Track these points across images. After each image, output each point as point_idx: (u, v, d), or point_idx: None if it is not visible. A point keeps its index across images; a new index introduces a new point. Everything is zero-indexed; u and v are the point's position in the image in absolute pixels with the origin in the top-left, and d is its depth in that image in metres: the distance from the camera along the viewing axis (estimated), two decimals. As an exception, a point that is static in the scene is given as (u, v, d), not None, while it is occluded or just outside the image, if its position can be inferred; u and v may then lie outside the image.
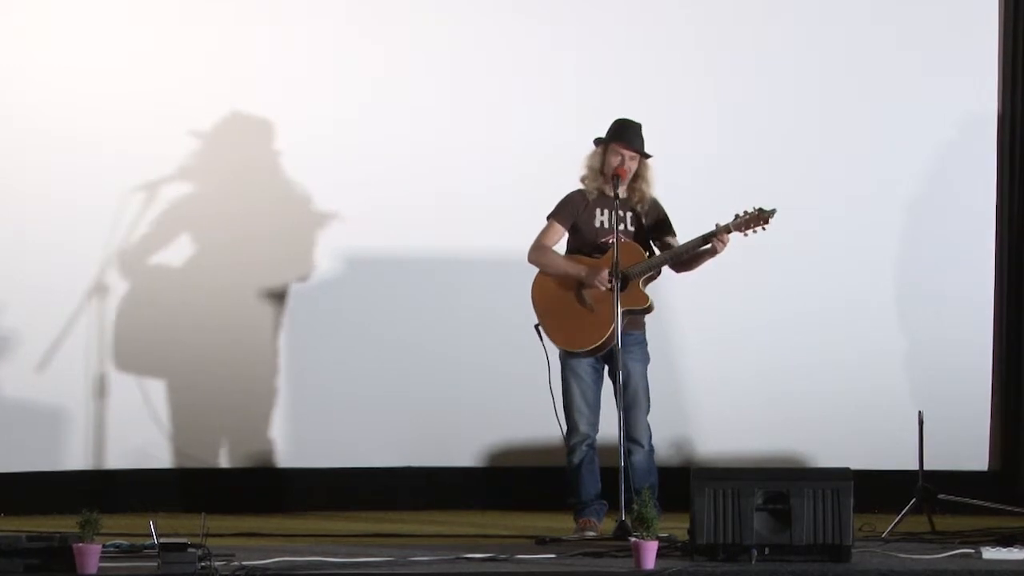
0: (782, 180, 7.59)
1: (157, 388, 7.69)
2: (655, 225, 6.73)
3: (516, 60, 7.76)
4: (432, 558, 5.78)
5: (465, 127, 7.74)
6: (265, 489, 7.71)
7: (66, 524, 5.83)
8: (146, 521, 5.84)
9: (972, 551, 5.89)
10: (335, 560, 5.67)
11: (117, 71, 7.60)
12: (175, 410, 7.70)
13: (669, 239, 6.71)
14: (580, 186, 6.77)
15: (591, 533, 6.55)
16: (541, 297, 6.72)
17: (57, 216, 7.53)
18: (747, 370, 7.75)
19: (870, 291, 7.79)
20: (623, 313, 6.53)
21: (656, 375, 6.78)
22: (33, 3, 7.56)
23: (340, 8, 7.76)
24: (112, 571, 5.49)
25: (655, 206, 6.75)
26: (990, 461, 7.80)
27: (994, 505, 7.07)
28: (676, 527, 6.10)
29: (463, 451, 7.78)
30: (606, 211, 6.66)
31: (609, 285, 6.53)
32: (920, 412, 6.85)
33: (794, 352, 7.74)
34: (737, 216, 6.52)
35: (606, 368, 6.68)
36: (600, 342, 6.58)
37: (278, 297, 7.76)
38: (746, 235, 6.53)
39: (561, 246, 6.80)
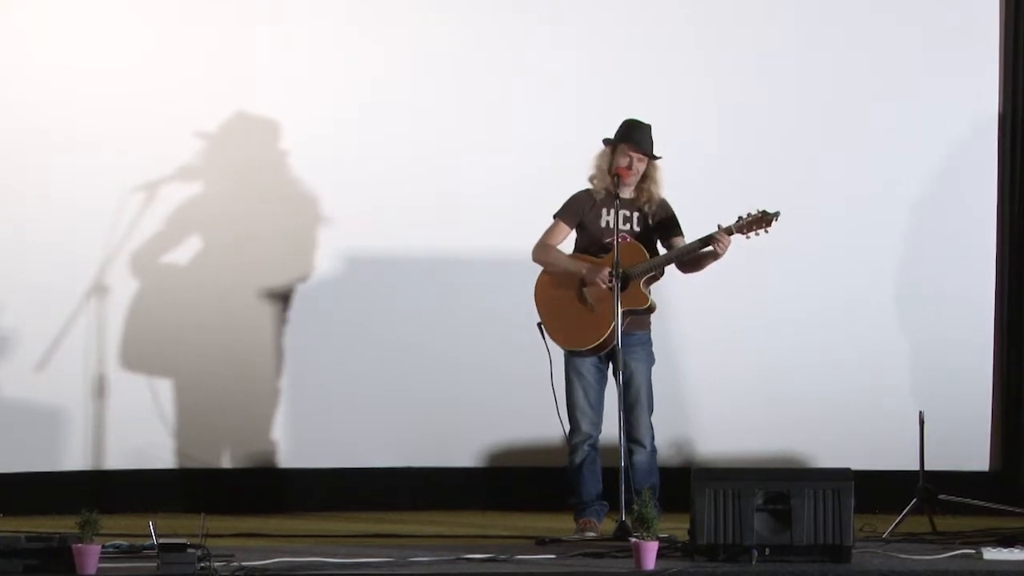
0: (782, 180, 7.59)
1: (157, 388, 7.68)
2: (662, 225, 6.71)
3: (516, 60, 7.76)
4: (432, 559, 5.78)
5: (465, 127, 7.74)
6: (265, 489, 7.70)
7: (65, 524, 5.83)
8: (145, 522, 5.83)
9: (973, 551, 5.88)
10: (335, 560, 5.67)
11: (117, 71, 7.59)
12: (175, 410, 7.70)
13: (676, 240, 6.69)
14: (587, 185, 6.76)
15: (591, 534, 6.54)
16: (543, 296, 6.72)
17: (57, 216, 7.53)
18: (748, 370, 7.75)
19: (871, 291, 7.78)
20: (624, 313, 6.53)
21: (657, 375, 6.77)
22: (33, 3, 7.55)
23: (340, 8, 7.76)
24: (111, 572, 5.49)
25: (663, 206, 6.73)
26: (991, 461, 7.80)
27: (995, 505, 7.07)
28: (676, 527, 6.10)
29: (463, 451, 7.78)
30: (612, 211, 6.65)
31: (609, 283, 6.52)
32: (921, 412, 6.85)
33: (795, 352, 7.74)
34: (740, 218, 6.51)
35: (610, 368, 6.67)
36: (599, 341, 6.57)
37: (278, 297, 7.76)
38: (748, 238, 6.52)
39: (569, 245, 6.78)
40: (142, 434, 7.63)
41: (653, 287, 6.67)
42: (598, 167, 6.72)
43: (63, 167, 7.52)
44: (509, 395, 7.66)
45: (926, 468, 6.78)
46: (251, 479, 7.70)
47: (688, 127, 7.62)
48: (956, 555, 5.85)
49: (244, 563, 5.54)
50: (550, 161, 7.52)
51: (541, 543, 6.19)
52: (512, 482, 7.75)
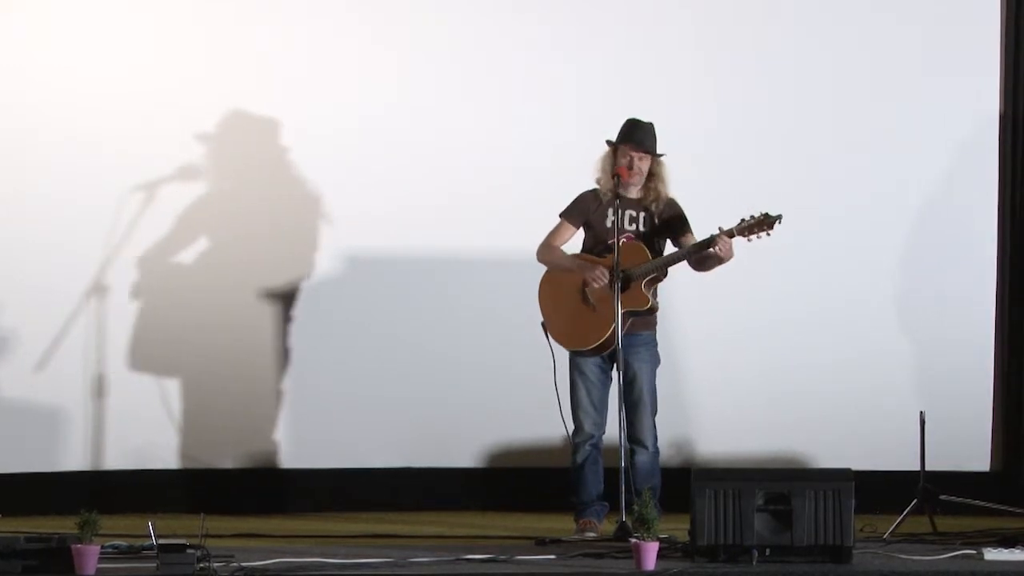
0: (782, 180, 7.59)
1: (157, 388, 7.67)
2: (670, 224, 6.69)
3: (516, 60, 7.75)
4: (432, 559, 5.78)
5: (465, 127, 7.74)
6: (265, 490, 7.70)
7: (65, 525, 5.82)
8: (145, 522, 5.82)
9: (974, 552, 5.88)
10: (335, 561, 5.66)
11: (117, 71, 7.59)
12: (176, 410, 7.69)
13: (685, 239, 6.67)
14: (590, 185, 6.75)
15: (591, 534, 6.54)
16: (546, 296, 6.72)
17: (57, 216, 7.53)
18: (748, 370, 7.74)
19: (871, 291, 7.78)
20: (626, 314, 6.52)
21: (658, 375, 6.76)
22: (33, 3, 7.55)
23: (340, 8, 7.76)
24: (111, 572, 5.49)
25: (671, 205, 6.72)
26: (992, 462, 7.79)
27: (996, 506, 7.06)
28: (677, 528, 6.09)
29: (463, 452, 7.78)
30: (619, 211, 6.64)
31: (604, 281, 6.51)
32: (922, 412, 6.84)
33: (795, 352, 7.73)
34: (742, 220, 6.50)
35: (614, 368, 6.66)
36: (600, 341, 6.56)
37: (278, 297, 7.76)
38: (749, 240, 6.50)
39: (576, 246, 6.77)
40: (142, 434, 7.62)
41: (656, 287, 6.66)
42: (602, 169, 6.71)
43: (63, 167, 7.52)
44: (509, 395, 7.66)
45: (927, 468, 6.78)
46: (251, 479, 7.70)
47: (688, 127, 7.59)
48: (957, 555, 5.84)
49: (244, 563, 5.54)
50: (550, 161, 7.51)
51: (541, 543, 6.18)
52: (512, 483, 7.74)
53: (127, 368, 7.66)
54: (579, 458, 6.68)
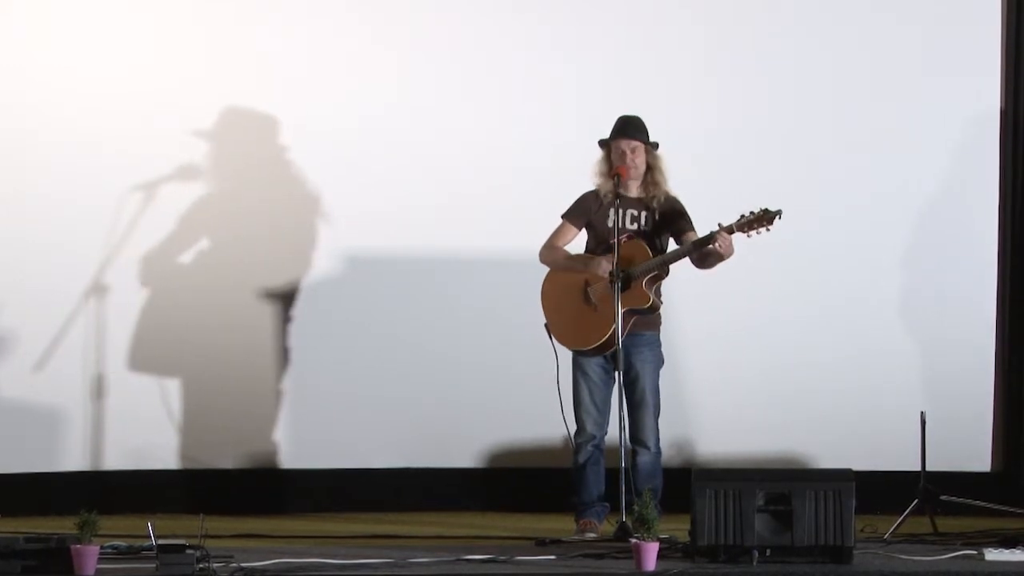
0: (783, 180, 7.58)
1: (157, 389, 7.67)
2: (670, 221, 6.69)
3: (516, 60, 7.75)
4: (432, 559, 5.77)
5: (465, 127, 7.73)
6: (265, 490, 7.69)
7: (64, 525, 5.82)
8: (144, 522, 5.82)
9: (975, 552, 5.87)
10: (334, 562, 5.65)
11: (117, 71, 7.59)
12: (175, 411, 7.69)
13: (687, 235, 6.66)
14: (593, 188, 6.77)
15: (591, 534, 6.53)
16: (549, 297, 6.72)
17: (57, 216, 7.53)
18: (748, 370, 7.73)
19: (871, 291, 7.77)
20: (628, 312, 6.52)
21: (659, 375, 6.76)
22: (33, 3, 7.54)
23: (340, 8, 7.75)
24: (110, 572, 5.48)
25: (671, 202, 6.71)
26: (992, 462, 7.78)
27: (997, 506, 7.05)
28: (677, 528, 6.08)
29: (463, 452, 7.77)
30: (619, 210, 6.63)
31: (607, 272, 6.50)
32: (922, 413, 6.83)
33: (796, 352, 7.73)
34: (741, 216, 6.49)
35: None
36: (602, 341, 6.55)
37: (278, 297, 7.75)
38: (749, 236, 6.49)
39: (578, 246, 6.77)
40: (141, 434, 7.62)
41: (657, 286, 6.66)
42: (599, 172, 6.71)
43: (63, 167, 7.51)
44: (509, 395, 7.65)
45: (927, 469, 6.77)
46: (251, 480, 7.69)
47: (688, 127, 7.59)
48: (958, 556, 5.84)
49: (243, 564, 5.53)
50: (550, 161, 7.51)
51: (541, 544, 6.17)
52: (512, 483, 7.74)
53: (127, 368, 7.65)
54: (581, 458, 6.67)
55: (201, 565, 5.39)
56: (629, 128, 6.67)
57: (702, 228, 6.59)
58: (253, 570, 5.50)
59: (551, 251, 6.74)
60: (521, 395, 7.53)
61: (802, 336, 7.74)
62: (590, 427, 6.66)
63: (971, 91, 7.79)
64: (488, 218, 7.65)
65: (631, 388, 6.60)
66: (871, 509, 6.39)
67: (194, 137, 7.67)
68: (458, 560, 5.75)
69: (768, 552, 5.63)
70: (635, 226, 6.66)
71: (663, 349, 6.74)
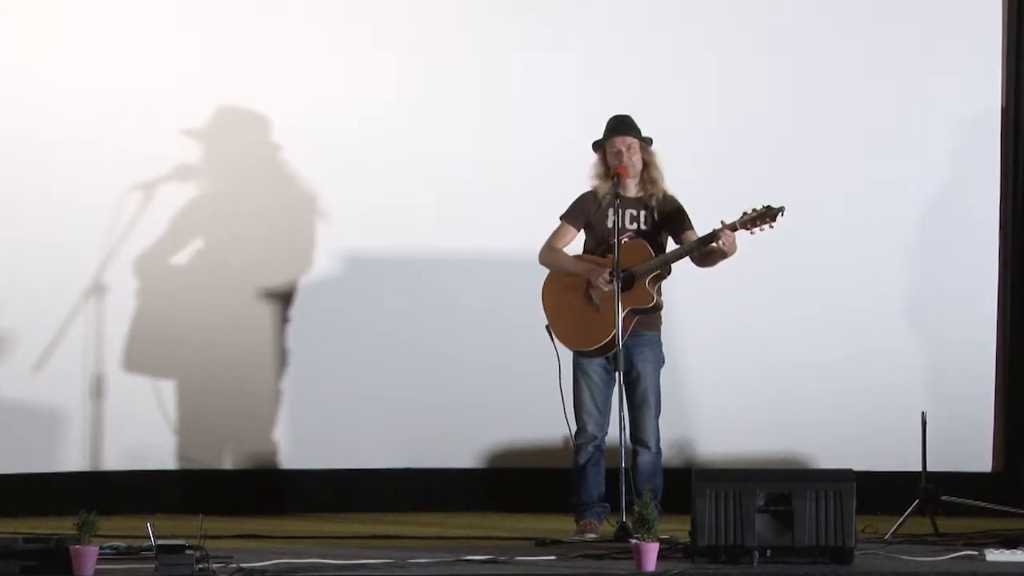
0: (783, 180, 7.57)
1: (156, 389, 7.67)
2: (670, 220, 6.68)
3: (516, 60, 7.74)
4: (432, 560, 5.76)
5: (465, 127, 7.73)
6: (264, 490, 7.69)
7: (63, 526, 5.82)
8: (144, 523, 5.81)
9: (976, 553, 5.87)
10: (334, 562, 5.65)
11: (117, 71, 7.59)
12: (175, 411, 7.69)
13: (687, 234, 6.66)
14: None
15: (591, 535, 6.52)
16: (550, 298, 6.70)
17: (57, 216, 7.52)
18: (749, 370, 7.73)
19: (872, 291, 7.76)
20: (631, 312, 6.51)
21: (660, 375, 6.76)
22: (33, 3, 7.54)
23: (340, 8, 7.75)
24: (109, 573, 5.47)
25: (669, 201, 6.71)
26: (993, 462, 7.77)
27: (998, 507, 7.04)
28: (677, 529, 6.07)
29: (463, 452, 7.76)
30: (617, 210, 6.62)
31: (610, 285, 6.50)
32: (923, 413, 6.82)
33: (796, 352, 7.72)
34: (744, 214, 6.49)
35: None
36: (605, 342, 6.54)
37: (278, 297, 7.75)
38: (752, 233, 6.49)
39: (577, 247, 6.76)
40: (141, 435, 7.62)
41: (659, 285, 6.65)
42: (596, 175, 6.70)
43: (63, 167, 7.51)
44: (509, 395, 7.65)
45: (928, 469, 6.76)
46: (250, 480, 7.69)
47: (688, 127, 7.60)
48: (959, 556, 5.83)
49: (243, 564, 5.52)
50: (550, 161, 7.50)
51: (541, 544, 6.17)
52: (512, 483, 7.73)
53: (126, 368, 7.64)
54: (581, 459, 6.67)
55: (200, 566, 5.38)
56: (622, 126, 6.66)
57: (702, 228, 6.58)
58: (253, 570, 5.49)
59: (551, 253, 6.73)
60: (521, 395, 7.53)
61: (802, 336, 7.73)
62: (591, 428, 6.66)
63: (971, 91, 7.78)
64: (488, 218, 7.64)
65: (633, 388, 6.60)
66: (872, 509, 6.39)
67: (193, 137, 7.67)
68: (458, 560, 5.75)
69: (768, 553, 5.62)
70: (634, 225, 6.65)
71: (663, 349, 6.72)
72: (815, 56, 7.79)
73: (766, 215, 6.45)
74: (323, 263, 7.76)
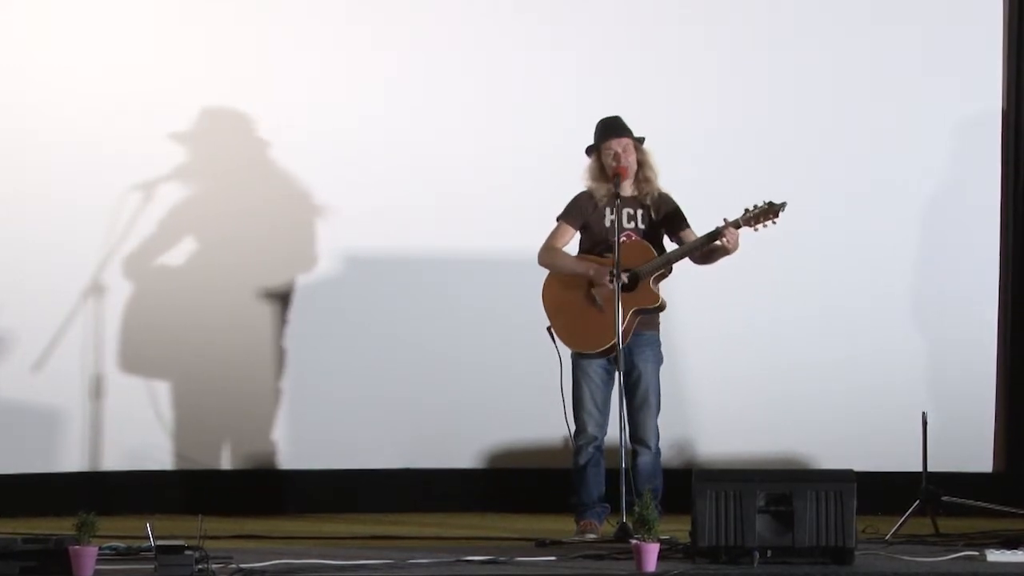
0: (783, 180, 7.55)
1: (155, 389, 7.67)
2: (667, 220, 6.69)
3: (516, 60, 7.74)
4: (432, 560, 5.76)
5: (465, 127, 7.72)
6: (264, 491, 7.68)
7: (62, 526, 5.80)
8: (143, 523, 5.80)
9: (976, 553, 5.86)
10: (334, 563, 5.64)
11: (117, 71, 7.58)
12: (174, 411, 7.69)
13: (684, 233, 6.66)
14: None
15: (591, 535, 6.52)
16: (551, 299, 6.69)
17: (56, 216, 7.52)
18: (749, 370, 7.72)
19: (872, 292, 7.76)
20: (635, 312, 6.51)
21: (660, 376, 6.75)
22: (33, 3, 7.54)
23: (340, 8, 7.75)
24: (109, 573, 5.47)
25: (666, 201, 6.70)
26: (994, 463, 7.77)
27: (999, 507, 7.04)
28: (678, 529, 6.07)
29: (463, 453, 7.76)
30: (615, 210, 6.61)
31: (613, 283, 6.49)
32: (924, 413, 6.81)
33: (796, 352, 7.72)
34: (746, 211, 6.49)
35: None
36: (612, 343, 6.52)
37: (277, 297, 7.75)
38: (756, 230, 6.49)
39: (573, 248, 6.76)
40: (140, 435, 7.61)
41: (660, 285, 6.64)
42: (592, 177, 6.69)
43: (63, 167, 7.51)
44: (509, 396, 7.64)
45: (929, 469, 6.75)
46: (250, 480, 7.69)
47: (688, 127, 7.60)
48: (959, 557, 5.83)
49: (242, 565, 5.52)
50: (550, 161, 7.49)
51: (541, 545, 6.16)
52: (512, 483, 7.72)
53: (125, 369, 7.64)
54: (581, 460, 6.66)
55: (200, 566, 5.38)
56: (617, 128, 6.66)
57: (702, 228, 6.58)
58: (252, 571, 5.49)
59: (551, 253, 6.72)
60: (521, 395, 7.52)
61: (803, 336, 7.73)
62: (591, 428, 6.65)
63: (971, 91, 7.78)
64: (488, 218, 7.64)
65: (634, 388, 6.59)
66: (872, 510, 6.38)
67: (193, 137, 7.67)
68: (458, 561, 5.74)
69: (769, 553, 5.62)
70: (632, 225, 6.65)
71: (662, 348, 6.72)
72: (815, 56, 7.78)
73: (768, 211, 6.46)
74: (323, 263, 7.76)
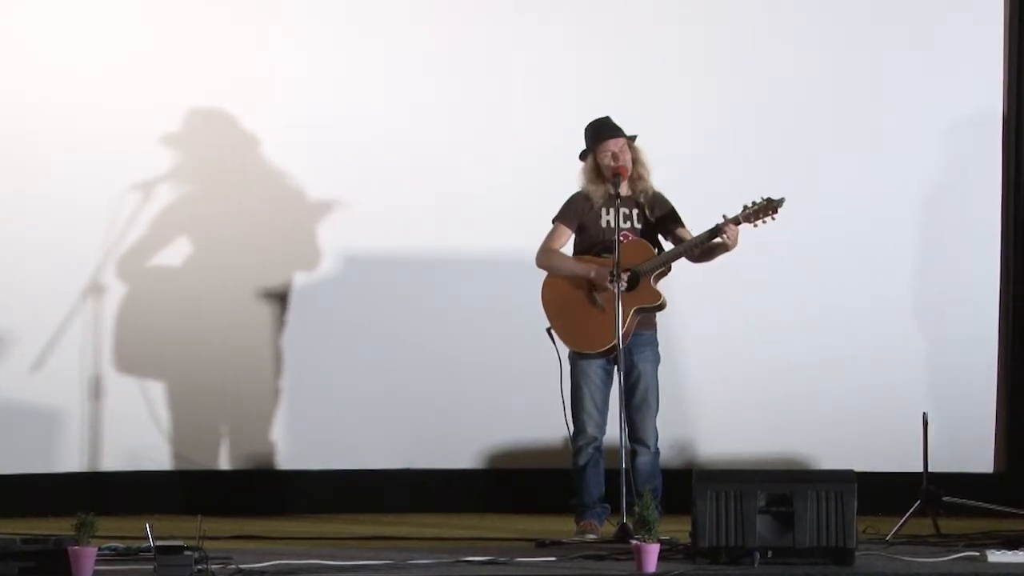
0: (783, 180, 7.50)
1: (155, 389, 7.67)
2: (663, 219, 6.68)
3: (516, 60, 7.74)
4: (431, 561, 5.75)
5: (465, 127, 7.72)
6: (263, 491, 7.68)
7: (61, 527, 5.79)
8: (142, 524, 5.79)
9: (977, 554, 5.85)
10: (333, 563, 5.64)
11: (116, 71, 7.58)
12: (173, 411, 7.68)
13: (680, 232, 6.66)
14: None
15: (592, 536, 6.51)
16: (551, 299, 6.68)
17: (56, 216, 7.52)
18: (750, 371, 7.72)
19: (872, 291, 7.75)
20: (636, 311, 6.50)
21: (659, 375, 6.73)
22: (33, 3, 7.54)
23: (340, 8, 7.75)
24: (108, 574, 5.46)
25: (660, 200, 6.70)
26: (995, 463, 7.76)
27: (999, 507, 7.03)
28: (678, 530, 6.06)
29: (463, 453, 7.75)
30: (611, 210, 6.61)
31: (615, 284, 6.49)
32: (924, 414, 6.80)
33: (797, 353, 7.71)
34: (745, 207, 6.49)
35: (616, 369, 6.62)
36: (613, 343, 6.51)
37: (277, 297, 7.74)
38: (755, 226, 6.49)
39: (568, 249, 6.76)
40: (139, 435, 7.61)
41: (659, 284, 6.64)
42: (588, 180, 6.68)
43: (63, 167, 7.51)
44: (509, 396, 7.64)
45: (930, 470, 6.74)
46: (249, 480, 7.68)
47: (688, 127, 7.60)
48: (960, 557, 5.82)
49: (242, 565, 5.52)
50: (550, 161, 7.47)
51: (541, 545, 6.15)
52: (512, 484, 7.72)
53: (124, 369, 7.63)
54: (581, 460, 6.65)
55: (199, 566, 5.37)
56: (611, 129, 6.66)
57: (703, 228, 6.56)
58: (251, 571, 5.49)
59: (549, 255, 6.71)
60: (521, 395, 7.52)
61: (803, 336, 7.72)
62: (591, 429, 6.64)
63: (972, 91, 7.77)
64: (488, 218, 7.63)
65: (633, 388, 6.59)
66: (873, 510, 6.37)
67: (193, 137, 7.67)
68: (457, 561, 5.74)
69: (769, 554, 5.61)
70: (628, 224, 6.64)
71: (659, 348, 6.71)
72: (815, 56, 7.78)
73: (767, 207, 6.47)
74: (323, 263, 7.75)
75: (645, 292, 6.55)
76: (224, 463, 7.73)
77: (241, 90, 7.68)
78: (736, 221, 6.47)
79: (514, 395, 7.61)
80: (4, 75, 7.49)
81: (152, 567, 5.38)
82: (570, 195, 6.75)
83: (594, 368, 6.63)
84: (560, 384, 6.63)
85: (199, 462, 7.69)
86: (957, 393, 7.67)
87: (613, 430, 6.59)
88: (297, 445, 7.73)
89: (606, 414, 6.67)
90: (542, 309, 6.68)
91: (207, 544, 5.54)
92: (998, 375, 7.77)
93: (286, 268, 7.74)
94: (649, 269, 6.56)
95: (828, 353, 7.72)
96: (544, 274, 6.72)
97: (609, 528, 6.48)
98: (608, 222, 6.62)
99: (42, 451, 7.55)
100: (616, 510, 6.37)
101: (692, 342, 7.65)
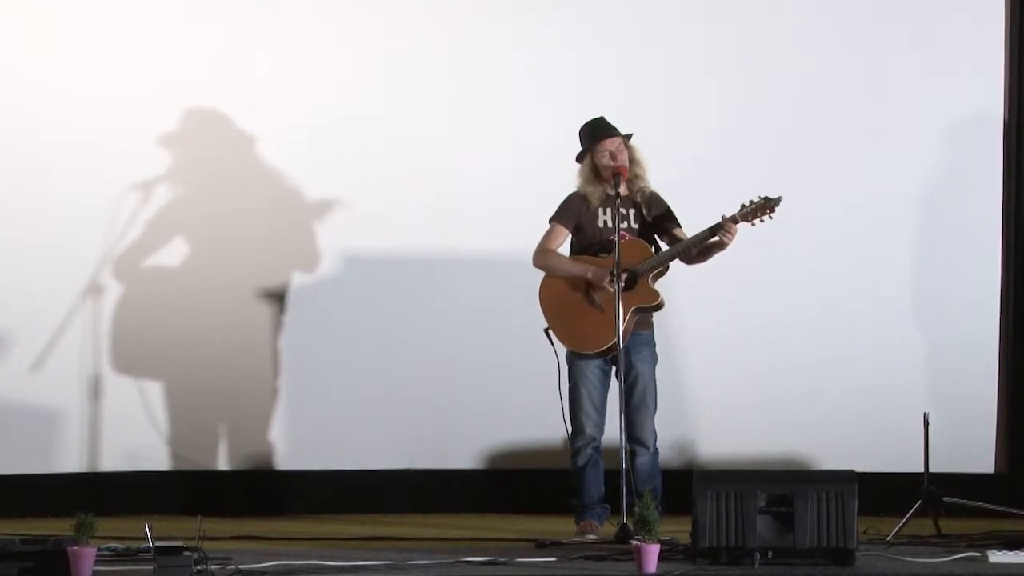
0: (783, 180, 7.49)
1: (154, 389, 7.67)
2: (659, 219, 6.69)
3: (516, 60, 7.73)
4: (431, 561, 5.75)
5: (465, 127, 7.72)
6: (262, 491, 7.68)
7: (61, 527, 5.80)
8: (142, 524, 5.79)
9: (978, 554, 5.85)
10: (333, 564, 5.63)
11: (116, 71, 7.58)
12: (172, 412, 7.68)
13: (676, 232, 6.66)
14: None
15: (592, 536, 6.51)
16: (549, 300, 6.67)
17: (56, 216, 7.52)
18: (750, 371, 7.71)
19: (873, 291, 7.75)
20: (634, 311, 6.50)
21: (658, 375, 6.74)
22: (33, 3, 7.53)
23: (340, 8, 7.75)
24: (107, 574, 5.46)
25: (656, 200, 6.70)
26: (996, 463, 7.76)
27: (1000, 508, 7.03)
28: (678, 530, 6.06)
29: (463, 453, 7.75)
30: (609, 210, 6.61)
31: (614, 285, 6.48)
32: (925, 414, 6.80)
33: (797, 353, 7.71)
34: (743, 206, 6.49)
35: (614, 369, 6.62)
36: (612, 343, 6.51)
37: (277, 297, 7.74)
38: (753, 225, 6.50)
39: (564, 249, 6.75)
40: (138, 435, 7.61)
41: (656, 285, 6.63)
42: (585, 180, 6.67)
43: (63, 167, 7.51)
44: (509, 396, 7.64)
45: (931, 470, 6.74)
46: (249, 481, 7.68)
47: (688, 127, 7.60)
48: (961, 558, 5.82)
49: (241, 566, 5.51)
50: (550, 161, 7.46)
51: (541, 546, 6.15)
52: (512, 484, 7.72)
53: (124, 369, 7.63)
54: (580, 461, 6.65)
55: (199, 567, 5.36)
56: (607, 129, 6.66)
57: (699, 227, 6.56)
58: (251, 572, 5.48)
59: (546, 255, 6.70)
60: (521, 396, 7.52)
61: (803, 336, 7.72)
62: (589, 429, 6.64)
63: (971, 91, 7.77)
64: (488, 218, 7.63)
65: (631, 388, 6.58)
66: (874, 510, 6.37)
67: (192, 137, 7.67)
68: (457, 562, 5.73)
69: (770, 554, 5.61)
70: (625, 224, 6.64)
71: (657, 348, 6.71)
72: (815, 56, 7.77)
73: (765, 206, 6.47)
74: (322, 263, 7.75)
75: (643, 292, 6.55)
76: (223, 463, 7.72)
77: (241, 90, 7.68)
78: (734, 220, 6.47)
79: (514, 395, 7.60)
80: (4, 75, 7.49)
81: (151, 568, 5.37)
82: (567, 195, 6.74)
83: (592, 368, 6.63)
84: (558, 384, 6.63)
85: (198, 462, 7.69)
86: (957, 393, 7.67)
87: (612, 430, 6.58)
88: (296, 445, 7.73)
89: (604, 414, 6.67)
90: (540, 309, 6.68)
91: (206, 544, 5.53)
92: (999, 375, 7.77)
93: (285, 268, 7.74)
94: (647, 269, 6.55)
95: (828, 353, 7.72)
96: (543, 274, 6.72)
97: (609, 528, 6.48)
98: (605, 222, 6.61)
99: (41, 451, 7.55)
100: (616, 510, 6.37)
101: (691, 342, 7.65)
